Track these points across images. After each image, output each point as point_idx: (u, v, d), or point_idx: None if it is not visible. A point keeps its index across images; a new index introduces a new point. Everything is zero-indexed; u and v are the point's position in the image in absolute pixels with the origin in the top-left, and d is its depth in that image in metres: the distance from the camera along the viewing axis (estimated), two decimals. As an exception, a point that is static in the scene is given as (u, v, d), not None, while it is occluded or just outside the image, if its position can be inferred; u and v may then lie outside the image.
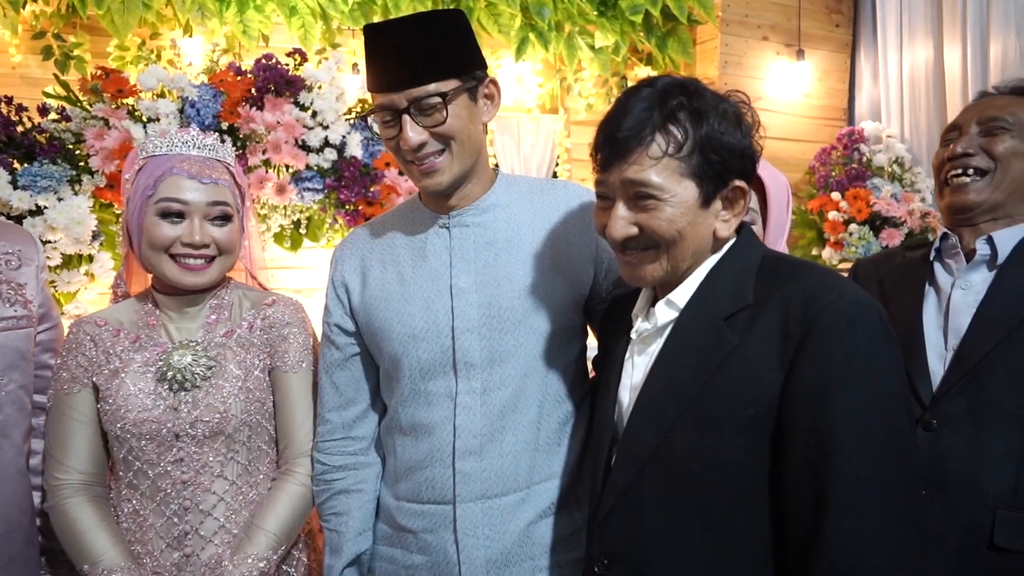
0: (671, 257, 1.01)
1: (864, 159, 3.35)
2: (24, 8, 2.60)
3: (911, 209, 3.12)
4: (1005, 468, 1.20)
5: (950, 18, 3.11)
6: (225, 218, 1.32)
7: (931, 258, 1.40)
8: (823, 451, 0.89)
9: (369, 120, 1.20)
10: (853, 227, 3.08)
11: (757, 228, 1.43)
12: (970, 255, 1.33)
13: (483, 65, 1.21)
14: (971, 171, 1.34)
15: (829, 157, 3.43)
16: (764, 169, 1.43)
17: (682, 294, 1.04)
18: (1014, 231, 1.31)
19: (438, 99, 1.13)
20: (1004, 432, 1.21)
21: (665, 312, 1.06)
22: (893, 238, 3.06)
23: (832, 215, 3.13)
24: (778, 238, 1.45)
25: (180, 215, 1.28)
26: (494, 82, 1.23)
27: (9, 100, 2.16)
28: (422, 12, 1.15)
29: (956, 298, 1.31)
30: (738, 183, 1.01)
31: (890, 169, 3.32)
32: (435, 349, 1.23)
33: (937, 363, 1.29)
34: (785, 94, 3.58)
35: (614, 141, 0.98)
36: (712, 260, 1.05)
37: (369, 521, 1.33)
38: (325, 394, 1.34)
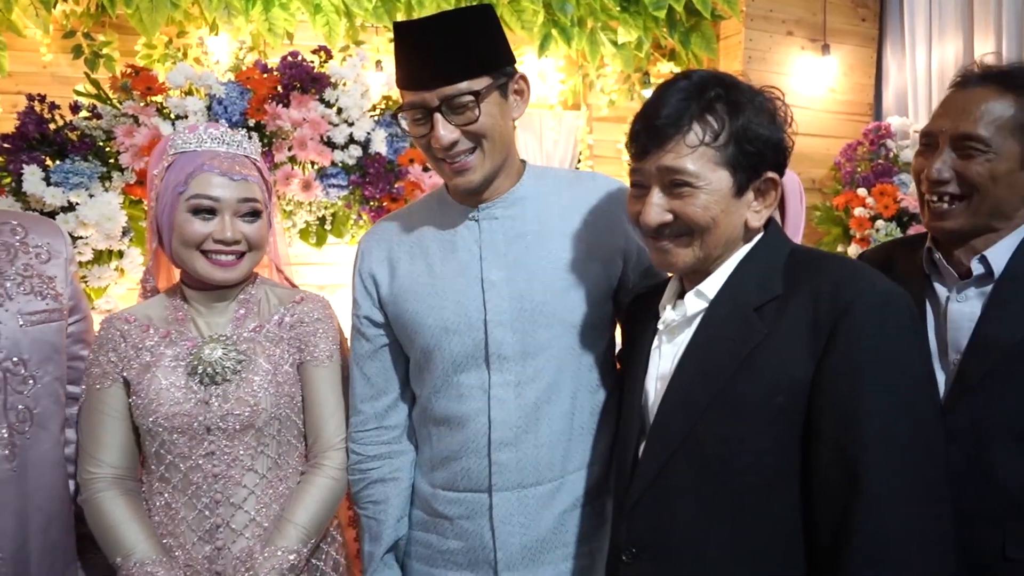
0: (704, 244, 1.04)
1: (891, 155, 3.30)
2: (55, 8, 2.64)
3: (939, 205, 3.07)
4: (1013, 482, 1.18)
5: (982, 11, 3.06)
6: (255, 214, 1.33)
7: (926, 271, 1.35)
8: (854, 437, 0.91)
9: (399, 117, 1.20)
10: (880, 223, 3.04)
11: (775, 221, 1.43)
12: (963, 272, 1.27)
13: (512, 60, 1.22)
14: (946, 197, 1.25)
15: (855, 153, 3.39)
16: None
17: (712, 285, 1.07)
18: (1005, 244, 1.25)
19: (471, 98, 1.14)
20: (1009, 447, 1.19)
21: (695, 303, 1.08)
22: (920, 235, 3.02)
23: (858, 211, 3.10)
24: (795, 232, 1.44)
25: (211, 211, 1.29)
26: (524, 78, 1.23)
27: (42, 98, 2.19)
28: (453, 9, 1.16)
29: (953, 311, 1.27)
30: (771, 175, 1.04)
31: (917, 165, 3.26)
32: (467, 342, 1.24)
33: (939, 375, 1.26)
34: (810, 89, 3.54)
35: (652, 129, 1.01)
36: (741, 252, 1.07)
37: (406, 508, 1.35)
38: (357, 385, 1.36)
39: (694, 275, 1.09)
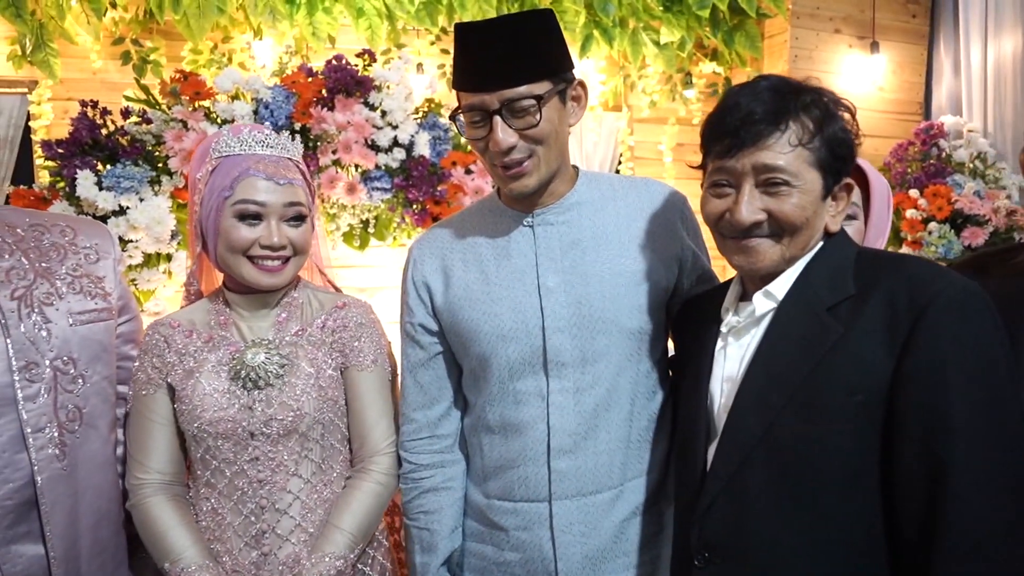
0: (793, 244, 1.04)
1: (943, 155, 3.20)
2: (105, 16, 2.69)
3: (996, 207, 2.97)
4: None
5: (1041, 5, 2.96)
6: (300, 218, 1.32)
7: None
8: (941, 432, 0.91)
9: (456, 119, 1.19)
10: (933, 225, 2.95)
11: (859, 223, 1.40)
12: None
13: (571, 66, 1.20)
14: None
15: (906, 153, 3.29)
16: (866, 164, 1.41)
17: (780, 285, 1.06)
18: None
19: (532, 102, 1.13)
20: None
21: (763, 303, 1.07)
22: (977, 237, 2.92)
23: (910, 213, 3.01)
24: (878, 236, 1.40)
25: (257, 216, 1.28)
26: (582, 84, 1.22)
27: (94, 104, 2.23)
28: (516, 13, 1.16)
29: None
30: (848, 180, 1.06)
31: (971, 165, 3.17)
32: (525, 349, 1.22)
33: None
34: (858, 88, 3.46)
35: (751, 125, 1.01)
36: (809, 254, 1.07)
37: (459, 518, 1.34)
38: (409, 393, 1.34)
39: (759, 278, 1.09)
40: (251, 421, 1.28)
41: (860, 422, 0.96)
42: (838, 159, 1.02)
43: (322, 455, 1.33)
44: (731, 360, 1.10)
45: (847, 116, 1.04)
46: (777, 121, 1.00)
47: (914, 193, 3.03)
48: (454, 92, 1.21)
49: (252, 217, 1.28)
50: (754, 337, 1.07)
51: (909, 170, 3.22)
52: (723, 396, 1.10)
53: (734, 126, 1.02)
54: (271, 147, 1.32)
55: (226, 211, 1.28)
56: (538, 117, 1.13)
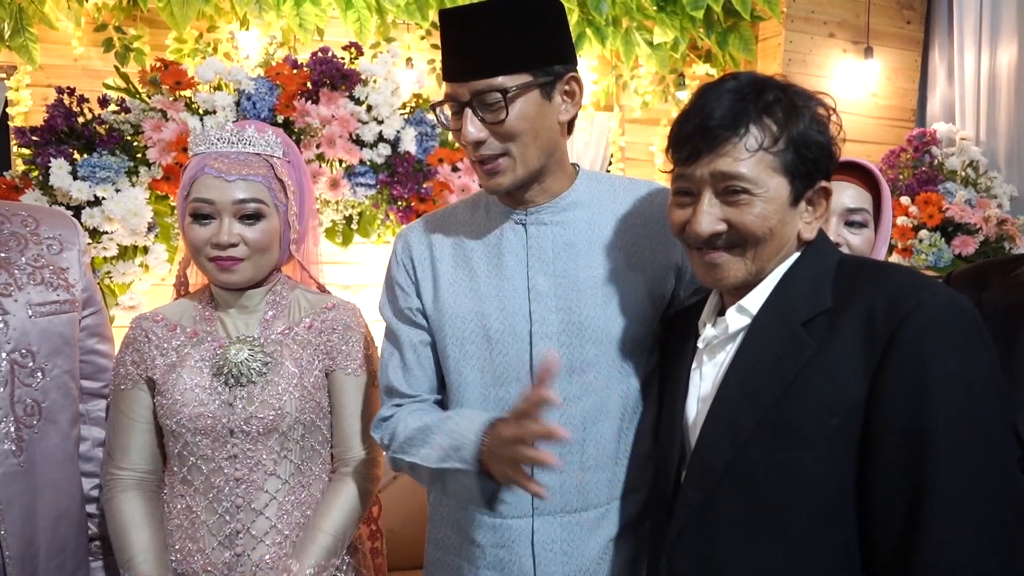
0: (758, 256, 0.97)
1: (935, 162, 3.19)
2: (87, 1, 2.63)
3: (987, 215, 2.95)
4: None
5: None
6: (257, 216, 1.27)
7: None
8: (918, 458, 0.84)
9: (436, 110, 1.14)
10: (923, 233, 2.93)
11: (869, 231, 1.35)
12: None
13: (568, 59, 1.13)
14: None
15: (898, 160, 3.28)
16: (879, 174, 1.36)
17: (755, 299, 0.99)
18: None
19: (497, 95, 1.06)
20: None
21: (736, 318, 1.00)
22: (967, 246, 2.91)
23: (900, 220, 2.99)
24: (882, 246, 1.36)
25: (209, 215, 1.25)
26: (576, 79, 1.14)
27: (71, 91, 2.17)
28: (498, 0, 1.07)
29: None
30: (824, 184, 0.98)
31: (963, 173, 3.15)
32: (511, 354, 1.16)
33: None
34: (851, 93, 3.44)
35: (706, 131, 0.93)
36: (786, 264, 1.00)
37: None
38: (393, 373, 1.24)
39: (736, 289, 1.02)
40: (231, 418, 1.26)
41: (836, 447, 0.90)
42: (807, 162, 0.94)
43: (301, 456, 1.31)
44: (706, 379, 1.04)
45: (822, 113, 0.97)
46: (735, 125, 0.93)
47: (905, 200, 3.02)
48: (444, 86, 1.16)
49: (204, 216, 1.25)
50: (728, 354, 1.01)
51: (901, 177, 3.21)
52: (697, 416, 1.03)
53: (692, 131, 0.96)
54: (230, 143, 1.28)
55: (186, 210, 1.27)
56: (504, 113, 1.07)
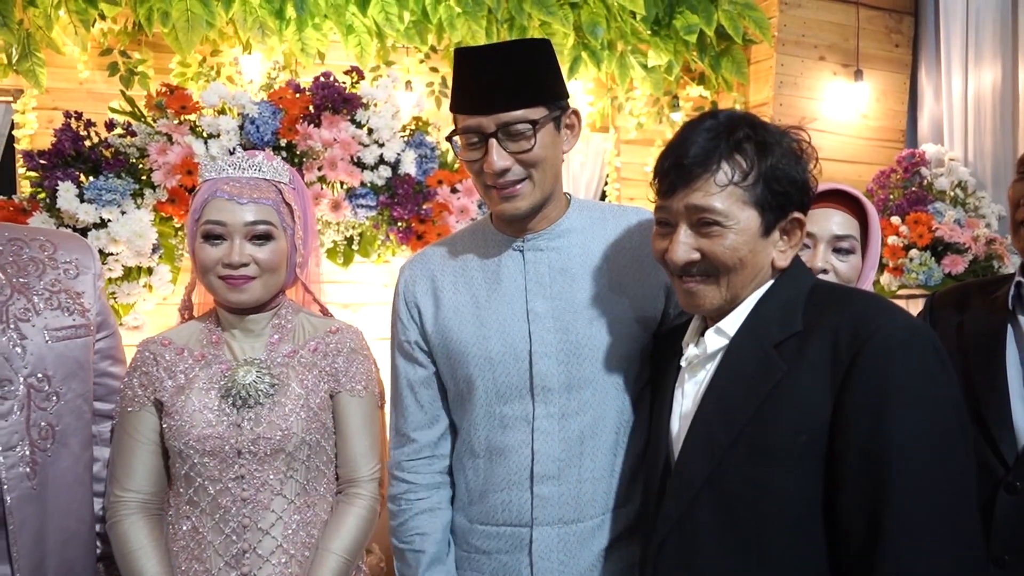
0: (731, 284, 1.03)
1: (925, 182, 3.25)
2: (93, 26, 2.68)
3: (976, 235, 3.01)
4: None
5: (1022, 38, 3.02)
6: (266, 237, 1.32)
7: (1010, 306, 1.33)
8: (876, 475, 0.89)
9: (452, 140, 1.21)
10: (914, 253, 2.99)
11: (855, 258, 1.39)
12: None
13: (566, 95, 1.22)
14: None
15: (888, 180, 3.34)
16: (866, 201, 1.40)
17: (732, 322, 1.06)
18: None
19: (528, 126, 1.14)
20: None
21: (715, 340, 1.07)
22: (957, 265, 2.96)
23: (891, 240, 3.04)
24: (870, 270, 1.40)
25: (220, 236, 1.30)
26: (576, 113, 1.24)
27: (78, 115, 2.21)
28: (516, 40, 1.17)
29: None
30: (797, 215, 1.04)
31: (952, 193, 3.22)
32: (512, 373, 1.23)
33: (1023, 419, 1.22)
34: (841, 115, 3.51)
35: (680, 167, 1.01)
36: (762, 290, 1.06)
37: (447, 541, 1.32)
38: (410, 413, 1.33)
39: (715, 312, 1.08)
40: (239, 439, 1.28)
41: (805, 463, 0.95)
42: (777, 195, 1.00)
43: (307, 476, 1.34)
44: (687, 396, 1.10)
45: (796, 148, 1.03)
46: (707, 162, 0.99)
47: (895, 220, 3.07)
48: (443, 111, 1.22)
49: (215, 237, 1.30)
50: (708, 373, 1.07)
51: (891, 197, 3.27)
52: (678, 432, 1.09)
53: (669, 167, 1.02)
54: (242, 169, 1.34)
55: (197, 232, 1.31)
56: (533, 142, 1.15)
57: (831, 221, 1.37)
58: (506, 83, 1.13)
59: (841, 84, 3.50)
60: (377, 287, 3.15)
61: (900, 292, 3.06)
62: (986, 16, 3.23)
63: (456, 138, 1.20)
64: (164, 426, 1.31)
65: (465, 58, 1.17)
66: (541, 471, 1.21)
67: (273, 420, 1.29)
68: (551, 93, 1.18)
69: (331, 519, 1.35)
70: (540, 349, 1.22)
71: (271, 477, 1.30)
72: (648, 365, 1.29)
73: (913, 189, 3.21)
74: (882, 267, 3.13)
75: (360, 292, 3.15)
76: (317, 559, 1.30)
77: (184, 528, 1.30)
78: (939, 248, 3.02)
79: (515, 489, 1.23)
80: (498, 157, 1.15)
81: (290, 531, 1.30)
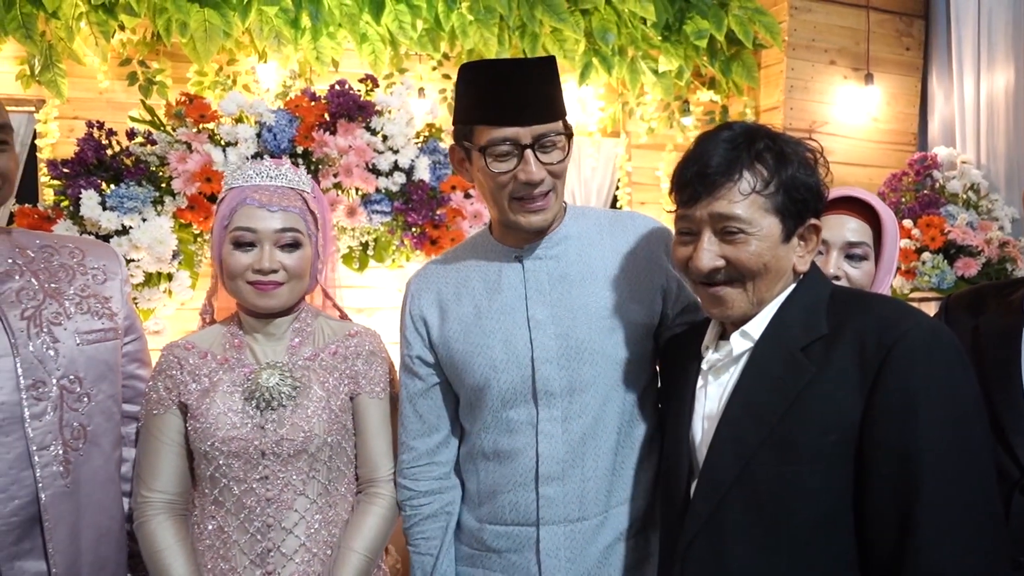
0: (756, 289, 1.06)
1: (937, 185, 3.25)
2: (113, 37, 2.73)
3: (989, 238, 3.01)
4: None
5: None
6: (295, 244, 1.36)
7: None
8: (907, 473, 0.93)
9: (485, 152, 1.20)
10: (926, 256, 2.99)
11: (869, 264, 1.40)
12: None
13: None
14: None
15: (899, 183, 3.34)
16: (878, 203, 1.41)
17: (756, 325, 1.09)
18: None
19: (562, 138, 1.19)
20: None
21: (740, 343, 1.09)
22: (970, 268, 2.96)
23: (903, 243, 3.05)
24: (886, 275, 1.41)
25: (251, 243, 1.33)
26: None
27: (100, 125, 2.26)
28: (536, 57, 1.22)
29: None
30: (813, 221, 1.08)
31: (965, 196, 3.22)
32: (516, 379, 1.26)
33: None
34: (852, 118, 3.52)
35: (704, 177, 1.04)
36: (784, 294, 1.09)
37: (451, 543, 1.37)
38: (409, 422, 1.38)
39: (740, 317, 1.10)
40: (263, 440, 1.31)
41: (834, 462, 0.98)
42: (797, 202, 1.04)
43: (328, 476, 1.37)
44: (711, 398, 1.12)
45: (809, 156, 1.06)
46: (730, 172, 1.03)
47: (907, 223, 3.08)
48: (483, 131, 1.20)
49: (246, 244, 1.33)
50: (732, 376, 1.10)
51: (903, 200, 3.27)
52: (703, 433, 1.12)
53: (692, 177, 1.05)
54: (270, 177, 1.37)
55: (226, 239, 1.34)
56: (563, 154, 1.20)
57: (845, 228, 1.39)
58: (538, 97, 1.17)
59: (852, 88, 3.52)
60: (391, 292, 3.18)
61: (912, 295, 3.06)
62: (998, 18, 3.23)
63: (476, 150, 1.21)
64: (189, 428, 1.34)
65: (493, 70, 1.20)
66: (546, 472, 1.25)
67: (296, 422, 1.32)
68: (563, 109, 1.23)
69: (352, 518, 1.37)
70: (542, 355, 1.25)
71: (294, 477, 1.32)
72: (649, 366, 1.32)
73: (925, 192, 3.22)
74: (895, 270, 3.13)
75: (375, 297, 3.19)
76: (340, 558, 1.32)
77: (210, 527, 1.33)
78: (952, 251, 3.02)
79: (521, 490, 1.26)
80: (537, 167, 1.18)
81: (312, 530, 1.33)
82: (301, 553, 1.32)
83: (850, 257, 1.39)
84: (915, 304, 2.97)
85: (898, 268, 3.09)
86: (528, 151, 1.18)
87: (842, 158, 3.51)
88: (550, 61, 1.21)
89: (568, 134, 1.22)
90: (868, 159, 3.58)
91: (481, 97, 1.19)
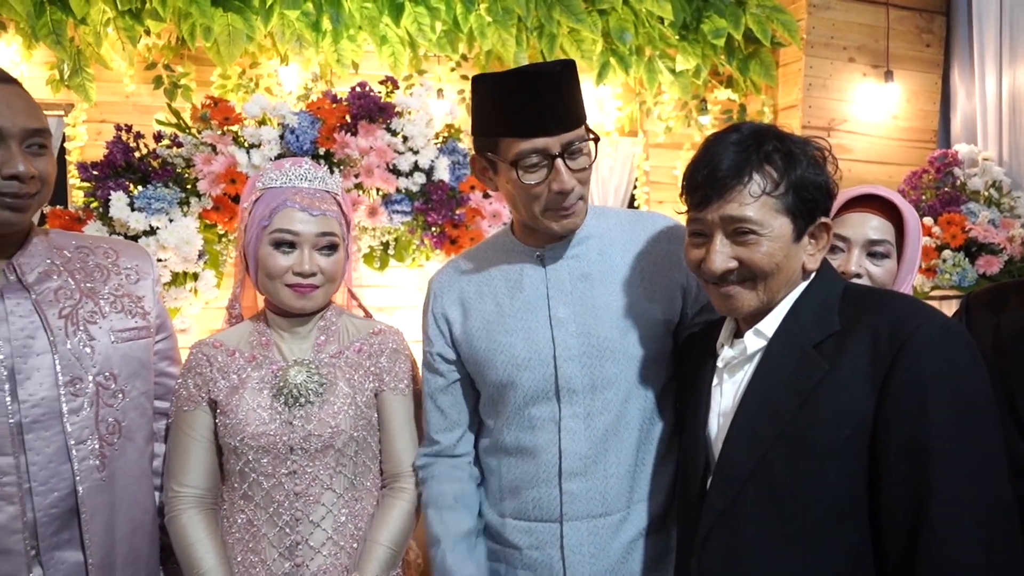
0: (767, 288, 1.08)
1: (958, 183, 3.23)
2: (139, 42, 2.79)
3: (1011, 235, 2.99)
4: None
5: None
6: (332, 248, 1.39)
7: None
8: (919, 467, 0.94)
9: (517, 165, 1.20)
10: (947, 253, 2.97)
11: (891, 262, 1.40)
12: None
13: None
14: None
15: (920, 181, 3.32)
16: (901, 201, 1.41)
17: (770, 323, 1.10)
18: None
19: (590, 144, 1.20)
20: None
21: (754, 341, 1.11)
22: (991, 265, 2.94)
23: (924, 241, 3.03)
24: (908, 274, 1.41)
25: (291, 245, 1.36)
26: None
27: (128, 128, 2.31)
28: (552, 63, 1.20)
29: None
30: (824, 220, 1.09)
31: (987, 193, 3.19)
32: (538, 377, 1.28)
33: None
34: (871, 116, 3.50)
35: (714, 180, 1.05)
36: (797, 291, 1.11)
37: (474, 522, 1.37)
38: (431, 417, 1.41)
39: (750, 315, 1.12)
40: (291, 436, 1.34)
41: (847, 457, 0.99)
42: (807, 202, 1.05)
43: (354, 471, 1.39)
44: (726, 395, 1.14)
45: (817, 155, 1.07)
46: (739, 175, 1.04)
47: (928, 221, 3.06)
48: (511, 144, 1.19)
49: (287, 245, 1.35)
50: (746, 373, 1.11)
51: (923, 198, 3.25)
52: (719, 430, 1.13)
53: (702, 181, 1.07)
54: (309, 180, 1.39)
55: (264, 239, 1.36)
56: (590, 160, 1.21)
57: (866, 226, 1.39)
58: (562, 104, 1.17)
59: (871, 85, 3.50)
60: (412, 291, 3.22)
61: (933, 293, 3.04)
62: (1020, 14, 3.20)
63: (505, 162, 1.20)
64: (219, 424, 1.37)
65: (520, 80, 1.17)
66: (569, 468, 1.26)
67: (323, 418, 1.35)
68: (584, 113, 1.23)
69: (377, 512, 1.40)
70: (564, 353, 1.27)
71: (321, 472, 1.35)
72: (669, 364, 1.33)
73: (946, 190, 3.19)
74: (915, 268, 3.11)
75: (395, 296, 3.23)
76: (366, 550, 1.35)
77: (239, 521, 1.36)
78: (973, 248, 3.00)
79: (544, 486, 1.28)
80: (568, 176, 1.19)
81: (339, 523, 1.35)
82: (328, 546, 1.34)
83: (872, 255, 1.39)
84: (935, 302, 2.96)
85: (919, 266, 3.07)
86: (559, 160, 1.18)
87: (861, 156, 3.49)
88: (568, 65, 1.20)
89: (595, 138, 1.23)
90: (888, 157, 3.56)
91: (502, 109, 1.18)
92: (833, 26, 3.44)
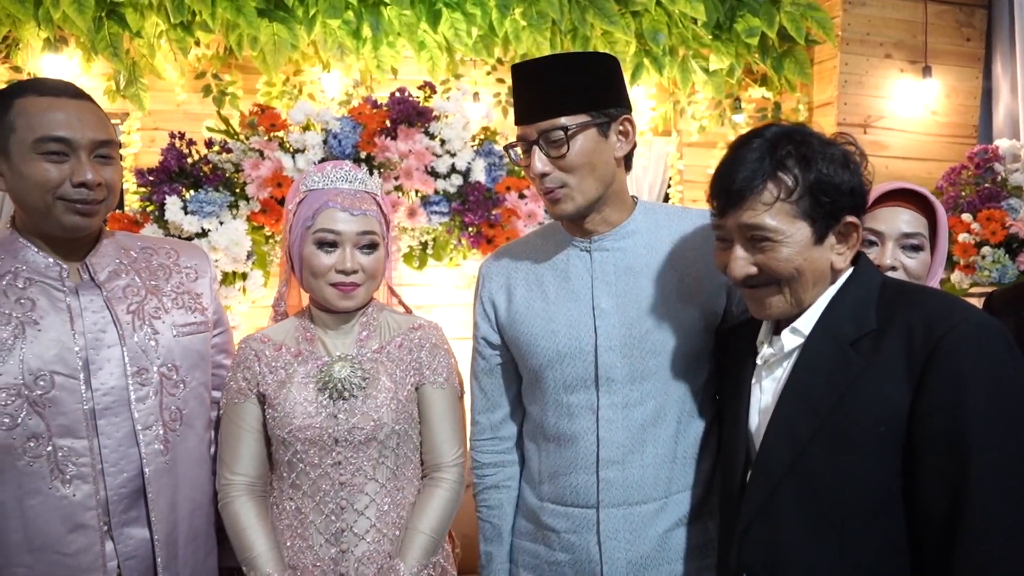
0: (793, 291, 1.10)
1: (999, 178, 3.18)
2: (189, 53, 2.92)
3: (1053, 231, 2.94)
4: None
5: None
6: (372, 246, 1.44)
7: None
8: (956, 462, 0.95)
9: (510, 150, 1.33)
10: (986, 250, 2.94)
11: (925, 255, 1.42)
12: None
13: (623, 104, 1.29)
14: None
15: (959, 177, 3.28)
16: (929, 195, 1.43)
17: (806, 321, 1.12)
18: None
19: (560, 133, 1.22)
20: None
21: (791, 339, 1.13)
22: (1032, 262, 2.90)
23: (962, 237, 3.00)
24: (938, 267, 1.42)
25: (334, 244, 1.41)
26: (630, 120, 1.30)
27: (182, 136, 2.43)
28: (570, 52, 1.27)
29: None
30: (850, 219, 1.08)
31: (1028, 189, 3.14)
32: (578, 365, 1.31)
33: None
34: (909, 112, 3.47)
35: (729, 191, 1.08)
36: (833, 289, 1.12)
37: (511, 515, 1.46)
38: (475, 398, 1.48)
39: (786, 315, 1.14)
40: (336, 429, 1.40)
41: (884, 453, 1.01)
42: (825, 204, 1.05)
43: (396, 462, 1.45)
44: (766, 392, 1.16)
45: (840, 155, 1.06)
46: (752, 183, 1.06)
47: (967, 217, 3.03)
48: (509, 121, 1.35)
49: (329, 244, 1.41)
50: (785, 370, 1.13)
51: (963, 194, 3.21)
52: (759, 426, 1.16)
53: (719, 190, 1.10)
54: (350, 182, 1.45)
55: (308, 239, 1.42)
56: (565, 148, 1.23)
57: (899, 219, 1.41)
58: (547, 93, 1.23)
59: (908, 81, 3.47)
60: (449, 289, 3.30)
61: (972, 290, 3.01)
62: (1063, 6, 3.15)
63: (516, 148, 1.32)
64: (268, 417, 1.44)
65: (519, 72, 1.28)
66: (606, 456, 1.30)
67: (366, 411, 1.41)
68: (597, 100, 1.24)
69: (418, 501, 1.46)
70: (605, 343, 1.30)
71: (365, 463, 1.41)
72: (709, 360, 1.36)
73: (986, 185, 3.15)
74: (953, 265, 3.08)
75: (433, 294, 3.30)
76: (407, 538, 1.41)
77: (288, 508, 1.43)
78: (1014, 245, 2.96)
79: (582, 473, 1.32)
80: (538, 163, 1.25)
81: (382, 512, 1.41)
82: (372, 533, 1.40)
83: (905, 248, 1.40)
84: (974, 299, 2.92)
85: (956, 263, 3.04)
86: (535, 147, 1.25)
87: (899, 152, 3.47)
88: (578, 56, 1.27)
89: (596, 124, 1.23)
90: (926, 153, 3.52)
91: (514, 99, 1.31)
92: (869, 22, 3.42)
